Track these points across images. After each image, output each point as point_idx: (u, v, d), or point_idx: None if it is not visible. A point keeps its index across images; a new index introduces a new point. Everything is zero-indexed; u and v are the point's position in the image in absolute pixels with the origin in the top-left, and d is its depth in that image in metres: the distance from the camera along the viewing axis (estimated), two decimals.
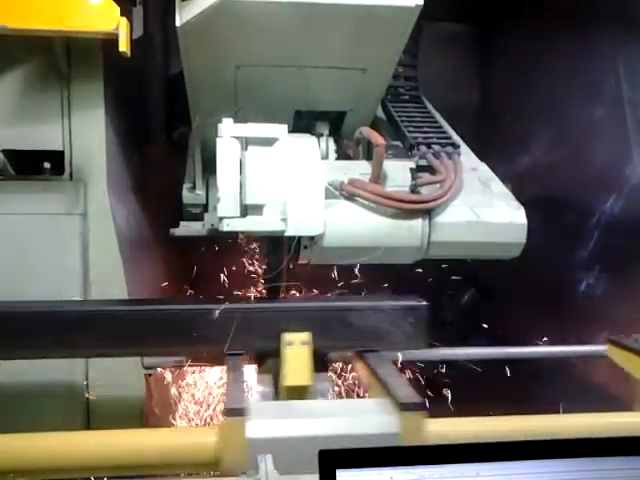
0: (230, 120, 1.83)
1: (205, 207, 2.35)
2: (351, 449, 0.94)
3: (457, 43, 3.59)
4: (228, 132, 1.81)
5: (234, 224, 1.85)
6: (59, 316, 1.76)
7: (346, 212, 2.05)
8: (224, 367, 1.82)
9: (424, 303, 1.82)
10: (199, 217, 2.33)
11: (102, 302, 1.99)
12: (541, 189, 2.75)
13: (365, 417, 1.42)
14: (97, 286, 2.08)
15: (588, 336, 2.24)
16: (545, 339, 2.47)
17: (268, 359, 1.77)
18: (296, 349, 1.67)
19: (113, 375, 2.01)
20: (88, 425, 2.03)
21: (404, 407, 1.39)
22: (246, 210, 1.85)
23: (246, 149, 1.85)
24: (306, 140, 2.09)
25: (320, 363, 1.74)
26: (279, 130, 1.86)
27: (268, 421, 1.39)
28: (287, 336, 1.70)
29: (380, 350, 1.79)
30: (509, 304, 2.97)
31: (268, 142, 1.85)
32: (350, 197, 2.06)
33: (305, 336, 1.69)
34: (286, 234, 1.92)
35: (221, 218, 1.84)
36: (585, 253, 2.50)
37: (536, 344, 2.43)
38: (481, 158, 2.44)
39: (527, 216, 2.15)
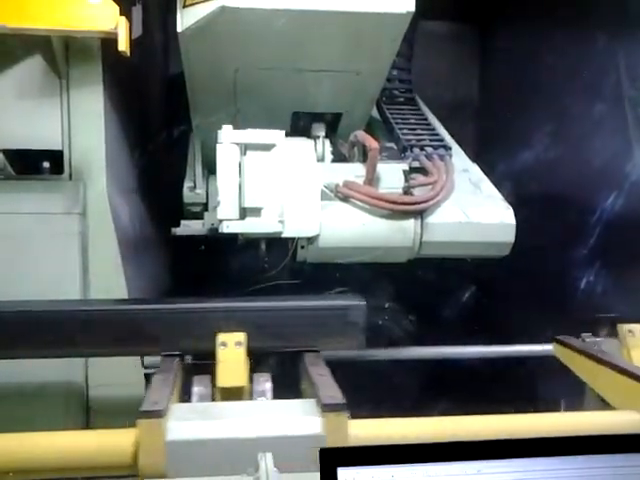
0: (230, 127, 1.88)
1: (205, 206, 2.39)
2: (352, 447, 0.96)
3: (456, 41, 3.62)
4: (228, 138, 1.87)
5: (233, 226, 1.91)
6: (58, 316, 1.75)
7: (341, 213, 2.12)
8: None
9: (362, 302, 1.76)
10: (199, 216, 2.37)
11: (101, 302, 2.00)
12: (541, 186, 2.78)
13: (286, 418, 1.37)
14: (96, 286, 2.07)
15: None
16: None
17: (208, 360, 1.69)
18: (230, 350, 1.63)
19: (113, 375, 2.01)
20: (87, 425, 2.03)
21: (326, 408, 1.34)
22: (245, 213, 1.91)
23: (245, 154, 1.89)
24: (302, 144, 2.14)
25: (261, 363, 1.71)
26: (276, 136, 1.91)
27: (187, 423, 1.34)
28: (221, 337, 1.65)
29: (319, 350, 1.74)
30: (509, 302, 2.99)
31: (266, 147, 1.90)
32: (345, 199, 2.12)
33: (240, 336, 1.65)
34: (283, 235, 1.98)
35: (221, 220, 1.90)
36: (586, 250, 2.48)
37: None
38: (481, 155, 2.49)
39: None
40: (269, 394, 1.61)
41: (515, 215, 2.24)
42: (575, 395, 1.93)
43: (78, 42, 2.10)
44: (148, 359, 1.92)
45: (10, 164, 2.13)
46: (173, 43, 2.32)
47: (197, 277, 2.42)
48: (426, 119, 2.64)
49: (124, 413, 2.02)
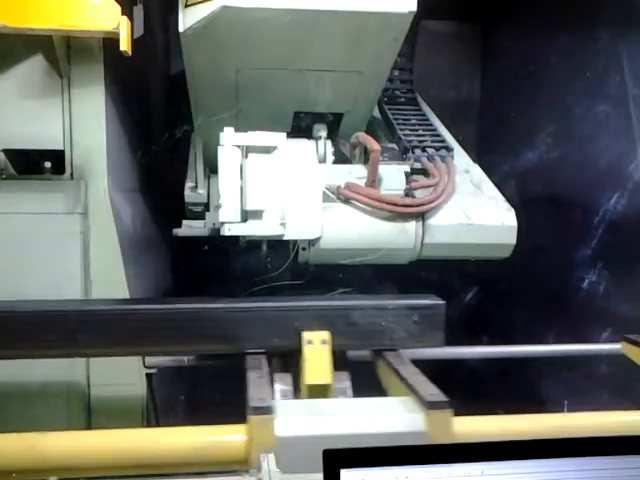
0: (231, 129, 1.87)
1: (207, 206, 2.38)
2: (355, 448, 0.94)
3: (458, 41, 3.61)
4: (229, 141, 1.86)
5: (235, 229, 1.90)
6: (60, 315, 1.76)
7: (343, 215, 2.11)
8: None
9: (441, 302, 1.80)
10: (201, 216, 2.36)
11: (103, 301, 2.00)
12: (543, 186, 2.77)
13: (391, 416, 1.40)
14: (98, 285, 2.08)
15: (592, 334, 2.23)
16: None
17: (287, 358, 1.75)
18: (316, 348, 1.65)
19: (114, 374, 2.02)
20: (89, 424, 2.04)
21: (431, 405, 1.36)
22: (246, 215, 1.90)
23: (246, 157, 1.89)
24: (304, 145, 2.13)
25: (339, 362, 1.72)
26: (278, 138, 1.90)
27: (296, 419, 1.37)
28: (307, 335, 1.68)
29: (398, 348, 1.78)
30: (512, 302, 2.98)
31: (267, 150, 1.90)
32: (347, 201, 2.12)
33: (325, 335, 1.68)
34: (285, 238, 1.97)
35: (222, 223, 1.89)
36: (589, 250, 2.48)
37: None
38: (482, 155, 2.48)
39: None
40: (349, 392, 1.64)
41: (517, 216, 2.24)
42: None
43: (80, 42, 2.10)
44: (149, 359, 1.92)
45: (12, 164, 2.14)
46: (175, 43, 2.32)
47: (198, 277, 2.42)
48: (428, 119, 2.64)
49: (125, 413, 2.05)
